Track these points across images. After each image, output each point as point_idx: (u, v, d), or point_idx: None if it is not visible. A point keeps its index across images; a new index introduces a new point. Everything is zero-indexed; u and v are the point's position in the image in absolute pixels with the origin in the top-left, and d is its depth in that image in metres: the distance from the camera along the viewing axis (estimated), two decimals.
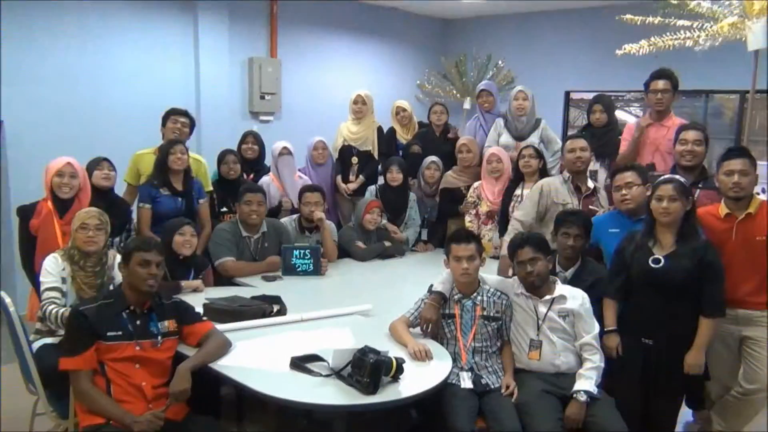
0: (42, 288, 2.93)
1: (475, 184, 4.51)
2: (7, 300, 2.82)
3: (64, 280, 2.96)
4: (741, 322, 2.98)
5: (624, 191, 3.23)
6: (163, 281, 2.75)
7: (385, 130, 5.23)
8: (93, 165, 3.71)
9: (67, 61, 5.13)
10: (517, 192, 4.19)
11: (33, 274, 3.32)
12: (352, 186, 5.00)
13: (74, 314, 2.47)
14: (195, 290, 3.37)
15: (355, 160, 5.04)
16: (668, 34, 3.83)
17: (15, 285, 4.41)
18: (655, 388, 2.87)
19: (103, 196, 3.63)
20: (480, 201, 4.43)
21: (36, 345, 2.94)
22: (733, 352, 3.06)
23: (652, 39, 3.84)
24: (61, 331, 2.79)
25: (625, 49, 3.94)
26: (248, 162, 4.68)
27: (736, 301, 2.94)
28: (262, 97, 6.47)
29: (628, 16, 3.89)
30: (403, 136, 5.30)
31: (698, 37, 3.77)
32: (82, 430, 2.36)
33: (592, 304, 2.88)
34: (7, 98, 4.80)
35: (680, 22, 3.83)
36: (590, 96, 5.10)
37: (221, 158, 4.42)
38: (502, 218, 4.24)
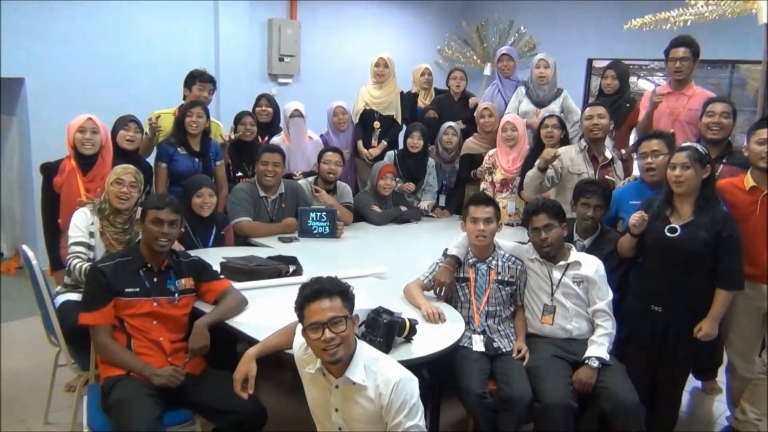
0: (69, 242, 2.98)
1: (491, 152, 4.47)
2: (30, 254, 2.87)
3: (92, 235, 3.01)
4: (766, 296, 2.93)
5: (649, 159, 3.13)
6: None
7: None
8: (120, 124, 3.63)
9: (88, 21, 5.12)
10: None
11: (52, 230, 3.38)
12: (375, 151, 4.93)
13: (92, 271, 2.51)
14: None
15: (377, 124, 4.98)
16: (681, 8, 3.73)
17: (37, 240, 4.48)
18: (663, 357, 2.87)
19: (126, 156, 3.57)
20: (495, 169, 4.40)
21: (59, 299, 3.01)
22: (756, 326, 3.00)
23: (659, 14, 3.74)
24: None
25: (631, 23, 3.85)
26: (262, 125, 4.65)
27: (760, 276, 2.88)
28: (281, 60, 6.43)
29: None
30: (422, 100, 5.25)
31: (707, 12, 3.68)
32: (104, 380, 2.42)
33: (608, 272, 2.86)
34: (28, 57, 4.82)
35: None
36: None
37: (238, 119, 4.42)
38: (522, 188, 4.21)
